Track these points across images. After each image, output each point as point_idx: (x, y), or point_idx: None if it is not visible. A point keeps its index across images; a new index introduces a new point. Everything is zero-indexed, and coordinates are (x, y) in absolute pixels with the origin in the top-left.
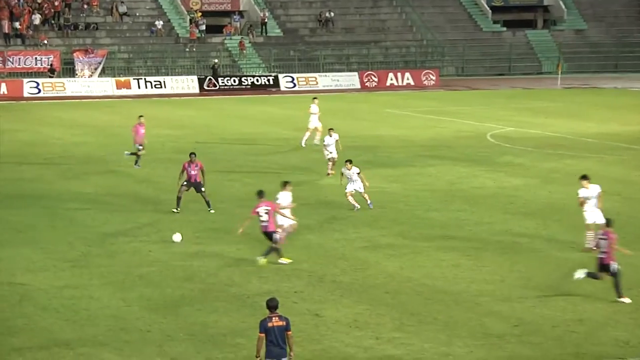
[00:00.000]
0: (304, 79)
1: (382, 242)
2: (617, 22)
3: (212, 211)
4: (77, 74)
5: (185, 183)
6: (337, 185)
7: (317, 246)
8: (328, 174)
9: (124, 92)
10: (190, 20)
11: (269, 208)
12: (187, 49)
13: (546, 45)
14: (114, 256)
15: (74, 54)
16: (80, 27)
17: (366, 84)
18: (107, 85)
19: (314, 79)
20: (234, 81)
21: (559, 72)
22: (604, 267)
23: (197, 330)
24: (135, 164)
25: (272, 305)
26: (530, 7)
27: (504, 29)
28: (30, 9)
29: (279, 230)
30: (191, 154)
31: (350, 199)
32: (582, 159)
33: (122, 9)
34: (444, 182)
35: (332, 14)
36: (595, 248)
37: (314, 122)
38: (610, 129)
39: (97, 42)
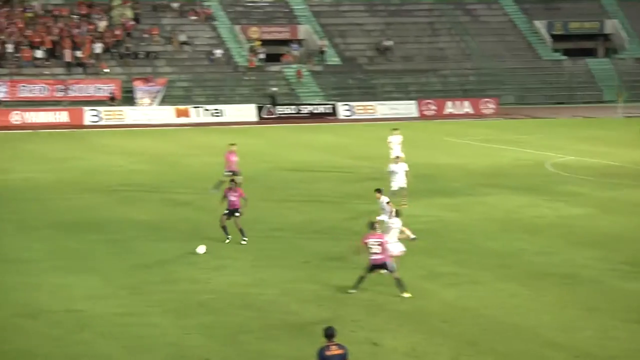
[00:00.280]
0: (362, 108)
1: (440, 271)
2: None
3: (244, 241)
4: (137, 102)
5: (226, 212)
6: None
7: (375, 274)
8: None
9: (183, 120)
10: (249, 49)
11: (381, 240)
12: (246, 78)
13: (607, 74)
14: (172, 283)
15: (134, 83)
16: (140, 56)
17: (424, 113)
18: (166, 114)
19: (372, 107)
20: (292, 109)
21: (620, 101)
22: None
23: (255, 358)
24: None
25: (329, 334)
26: (591, 35)
27: (564, 57)
28: (92, 38)
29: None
30: (231, 180)
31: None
32: None
33: (182, 37)
34: (503, 211)
35: (391, 42)
36: None
37: (396, 152)
38: None
39: (157, 71)
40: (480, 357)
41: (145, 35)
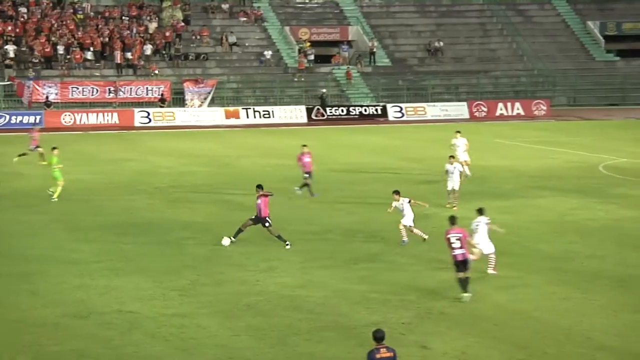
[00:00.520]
0: (412, 109)
1: (491, 274)
2: None
3: (288, 246)
4: (186, 104)
5: (252, 217)
6: (445, 216)
7: (425, 277)
8: (452, 206)
9: (232, 121)
10: (299, 50)
11: (460, 235)
12: (296, 79)
13: None
14: (222, 285)
15: (184, 84)
16: (190, 57)
17: (475, 114)
18: (216, 115)
19: (422, 108)
20: (342, 111)
21: None
22: None
23: None
24: (298, 189)
25: (378, 337)
26: None
27: (618, 58)
28: (142, 40)
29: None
30: (257, 186)
31: (402, 231)
32: None
33: (232, 39)
34: (555, 213)
35: (441, 43)
36: None
37: (461, 155)
38: None
39: (206, 72)
40: None
41: (195, 37)
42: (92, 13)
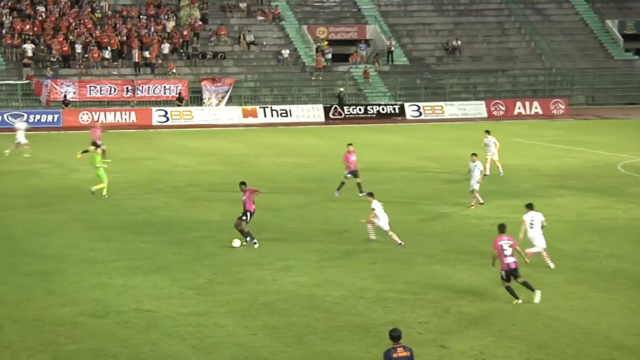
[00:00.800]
0: (430, 108)
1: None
2: None
3: (256, 245)
4: (204, 103)
5: (243, 216)
6: (464, 215)
7: (442, 276)
8: (470, 205)
9: (250, 120)
10: (317, 49)
11: (511, 242)
12: (313, 78)
13: None
14: (239, 284)
15: (202, 83)
16: (208, 56)
17: (493, 113)
18: (233, 114)
19: (440, 107)
20: (360, 110)
21: None
22: None
23: (321, 359)
24: (360, 193)
25: (395, 336)
26: None
27: (636, 57)
28: (160, 39)
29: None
30: (241, 183)
31: (369, 226)
32: None
33: (250, 38)
34: (573, 212)
35: (459, 42)
36: None
37: (490, 154)
38: None
39: (224, 71)
40: None
41: (213, 36)
42: (110, 12)
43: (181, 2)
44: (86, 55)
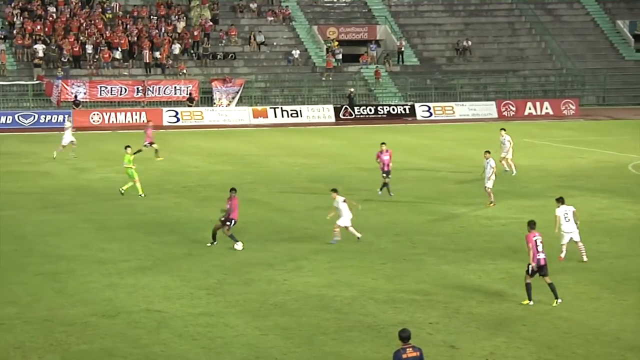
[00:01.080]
0: (440, 108)
1: (520, 274)
2: None
3: (236, 247)
4: (215, 103)
5: (228, 222)
6: (474, 215)
7: (452, 276)
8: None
9: (260, 121)
10: (327, 49)
11: (541, 238)
12: (324, 78)
13: None
14: (249, 284)
15: (212, 83)
16: (218, 57)
17: (504, 113)
18: (244, 114)
19: (450, 108)
20: (370, 110)
21: None
22: None
23: (331, 359)
24: (388, 193)
25: (404, 336)
26: None
27: None
28: (170, 39)
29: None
30: (231, 189)
31: (337, 230)
32: None
33: (260, 38)
34: (584, 213)
35: (470, 42)
36: None
37: (505, 152)
38: None
39: (235, 72)
40: None
41: (224, 36)
42: (120, 12)
43: (192, 3)
44: (97, 56)
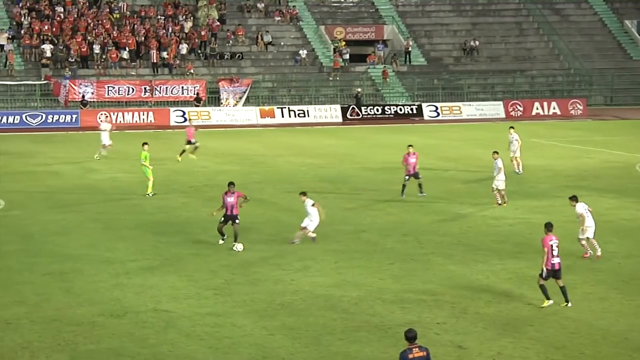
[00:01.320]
0: (447, 108)
1: (527, 274)
2: None
3: (236, 248)
4: (222, 103)
5: (222, 219)
6: (481, 215)
7: (460, 277)
8: (499, 203)
9: (267, 121)
10: (334, 49)
11: (558, 242)
12: (331, 78)
13: None
14: (256, 284)
15: (220, 83)
16: (226, 57)
17: (511, 113)
18: (251, 114)
19: (457, 108)
20: (377, 110)
21: None
22: None
23: (339, 359)
24: (420, 193)
25: (410, 337)
26: None
27: None
28: (178, 39)
29: None
30: (230, 183)
31: (302, 232)
32: None
33: (267, 38)
34: (591, 213)
35: (477, 42)
36: None
37: (513, 151)
38: None
39: (242, 72)
40: None
41: (231, 36)
42: (128, 12)
43: (199, 3)
44: (104, 56)
